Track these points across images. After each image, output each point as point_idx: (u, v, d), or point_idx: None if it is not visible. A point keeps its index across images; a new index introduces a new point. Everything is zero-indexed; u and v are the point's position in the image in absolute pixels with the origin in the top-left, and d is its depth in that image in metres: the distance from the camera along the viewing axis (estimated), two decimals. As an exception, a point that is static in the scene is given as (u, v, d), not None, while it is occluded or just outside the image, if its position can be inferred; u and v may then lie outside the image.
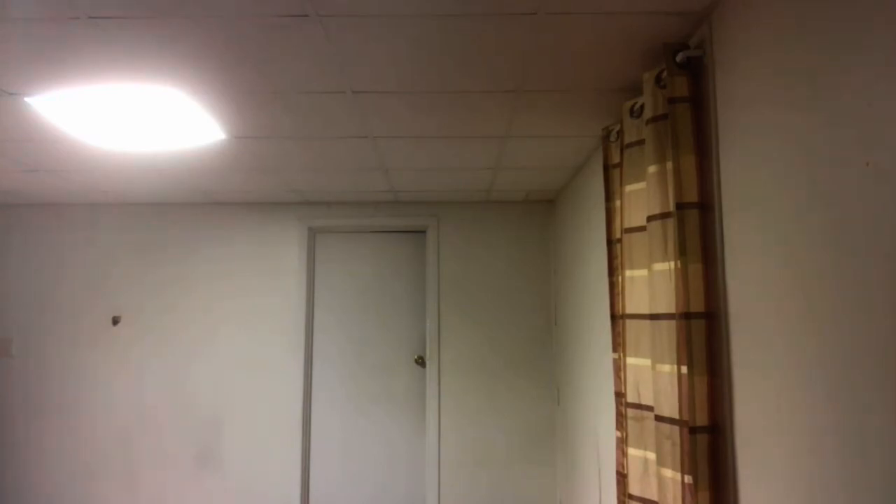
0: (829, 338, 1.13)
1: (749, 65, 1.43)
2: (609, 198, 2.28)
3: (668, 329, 1.67)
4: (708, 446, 1.57)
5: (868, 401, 1.03)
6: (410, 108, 2.34)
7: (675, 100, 1.66)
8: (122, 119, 2.41)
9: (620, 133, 2.09)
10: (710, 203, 1.63)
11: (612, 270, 2.21)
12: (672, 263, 1.68)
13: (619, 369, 2.11)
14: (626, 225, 1.99)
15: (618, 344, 2.12)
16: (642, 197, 1.93)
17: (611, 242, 2.25)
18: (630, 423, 1.95)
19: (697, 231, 1.61)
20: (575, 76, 2.05)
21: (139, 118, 2.40)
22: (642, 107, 1.94)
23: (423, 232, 4.32)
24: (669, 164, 1.72)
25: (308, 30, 1.72)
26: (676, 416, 1.62)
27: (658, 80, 1.76)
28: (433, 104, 2.31)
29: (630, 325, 1.97)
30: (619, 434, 2.08)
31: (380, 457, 4.15)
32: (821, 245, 1.16)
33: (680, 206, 1.62)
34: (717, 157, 1.60)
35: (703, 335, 1.59)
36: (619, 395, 2.10)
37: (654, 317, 1.73)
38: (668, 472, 1.65)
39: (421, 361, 4.21)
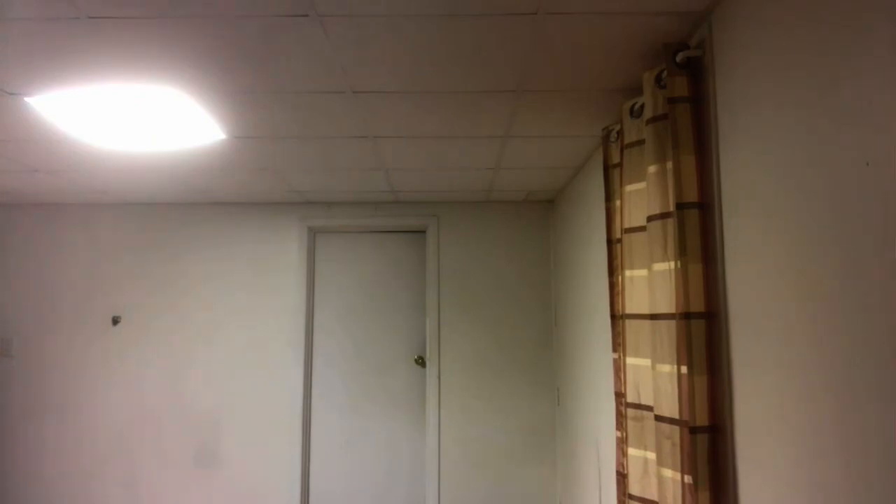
0: (829, 337, 1.13)
1: (749, 65, 1.43)
2: (609, 198, 2.28)
3: (668, 329, 1.67)
4: (708, 446, 1.57)
5: (868, 400, 1.03)
6: (411, 107, 2.34)
7: (675, 100, 1.66)
8: (122, 119, 2.41)
9: (620, 133, 2.09)
10: (710, 203, 1.63)
11: (612, 270, 2.21)
12: (672, 263, 1.68)
13: (618, 369, 2.11)
14: (626, 225, 1.99)
15: (618, 344, 2.12)
16: (642, 197, 1.93)
17: (611, 242, 2.25)
18: (630, 423, 1.95)
19: (697, 231, 1.61)
20: (575, 76, 2.05)
21: (139, 118, 2.40)
22: (642, 107, 1.94)
23: (423, 232, 4.32)
24: (669, 164, 1.72)
25: (308, 30, 1.72)
26: (676, 416, 1.63)
27: (658, 80, 1.76)
28: (433, 104, 2.31)
29: (630, 325, 1.97)
30: (619, 434, 2.08)
31: (380, 456, 4.16)
32: (821, 245, 1.16)
33: (680, 205, 1.62)
34: (717, 157, 1.60)
35: (703, 335, 1.59)
36: (619, 395, 2.10)
37: (654, 317, 1.73)
38: (668, 472, 1.65)
39: (421, 361, 4.21)
